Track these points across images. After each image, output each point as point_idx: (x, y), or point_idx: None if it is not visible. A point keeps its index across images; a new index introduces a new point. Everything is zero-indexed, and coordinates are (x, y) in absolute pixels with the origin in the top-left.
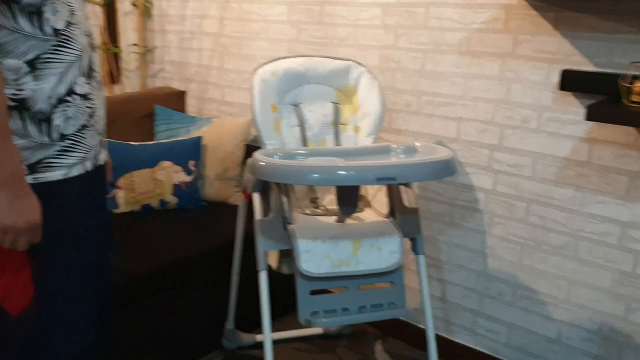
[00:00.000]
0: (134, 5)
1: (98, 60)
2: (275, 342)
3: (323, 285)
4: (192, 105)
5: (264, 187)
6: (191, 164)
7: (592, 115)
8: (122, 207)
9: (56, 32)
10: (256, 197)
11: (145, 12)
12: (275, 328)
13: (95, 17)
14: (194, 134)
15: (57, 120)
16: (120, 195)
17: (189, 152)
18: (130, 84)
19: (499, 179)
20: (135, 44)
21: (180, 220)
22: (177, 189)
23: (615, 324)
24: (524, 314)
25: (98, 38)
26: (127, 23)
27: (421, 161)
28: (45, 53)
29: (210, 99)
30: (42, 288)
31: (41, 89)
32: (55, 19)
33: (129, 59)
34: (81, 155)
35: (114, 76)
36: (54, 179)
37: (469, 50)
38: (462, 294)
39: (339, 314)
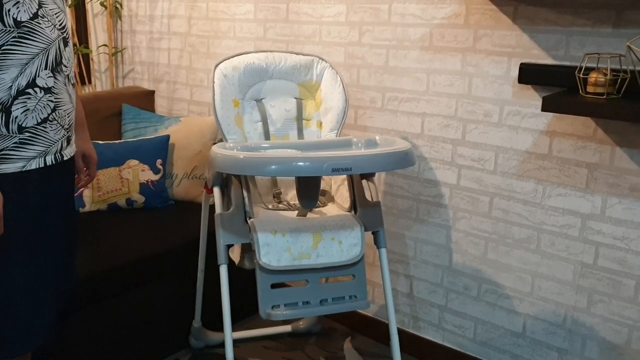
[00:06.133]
0: (103, 6)
1: (71, 56)
2: (244, 341)
3: (283, 278)
4: (162, 105)
5: (226, 182)
6: (158, 162)
7: (547, 106)
8: (88, 206)
9: (19, 24)
10: (216, 191)
11: (114, 12)
12: (246, 326)
13: None
14: (162, 132)
15: (16, 112)
16: (87, 194)
17: (156, 151)
18: (101, 85)
19: (463, 174)
20: (105, 45)
21: (147, 218)
22: (144, 187)
23: (579, 317)
24: (489, 308)
25: None
26: (97, 24)
27: (377, 152)
28: (5, 44)
29: (179, 98)
30: None
31: (0, 80)
32: (17, 11)
33: (100, 59)
34: (41, 148)
35: (84, 77)
36: (10, 171)
37: (431, 46)
38: (428, 290)
39: (300, 307)
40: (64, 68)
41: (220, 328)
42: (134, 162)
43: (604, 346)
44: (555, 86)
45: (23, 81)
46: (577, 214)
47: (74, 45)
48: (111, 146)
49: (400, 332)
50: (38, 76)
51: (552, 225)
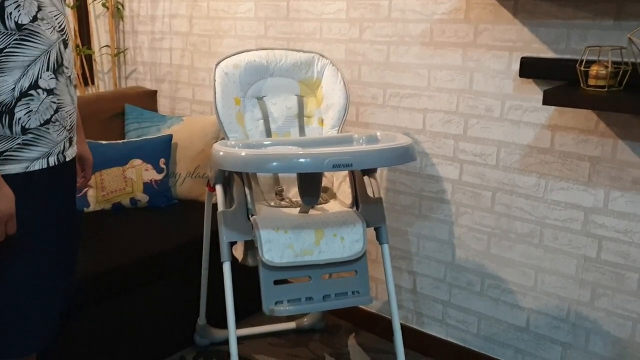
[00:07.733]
0: (105, 7)
1: (71, 57)
2: (249, 338)
3: (286, 275)
4: (164, 105)
5: (228, 180)
6: (161, 162)
7: (549, 99)
8: (93, 206)
9: (20, 26)
10: (219, 189)
11: (116, 13)
12: (250, 323)
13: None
14: (165, 132)
15: (20, 113)
16: (91, 194)
17: (160, 150)
18: (104, 86)
19: (465, 169)
20: (107, 46)
21: (151, 217)
22: (148, 187)
23: (582, 311)
24: (493, 303)
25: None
26: (99, 25)
27: (378, 148)
28: (7, 47)
29: (181, 98)
30: (2, 283)
31: (3, 82)
32: (18, 14)
33: (102, 60)
34: (44, 150)
35: (87, 78)
36: (14, 172)
37: (431, 41)
38: (432, 285)
39: (303, 303)
40: (65, 69)
41: (224, 325)
42: (137, 162)
43: (607, 340)
44: (557, 80)
45: (26, 83)
46: (580, 208)
47: (77, 46)
48: (114, 146)
49: (404, 327)
50: (40, 77)
51: (555, 220)
